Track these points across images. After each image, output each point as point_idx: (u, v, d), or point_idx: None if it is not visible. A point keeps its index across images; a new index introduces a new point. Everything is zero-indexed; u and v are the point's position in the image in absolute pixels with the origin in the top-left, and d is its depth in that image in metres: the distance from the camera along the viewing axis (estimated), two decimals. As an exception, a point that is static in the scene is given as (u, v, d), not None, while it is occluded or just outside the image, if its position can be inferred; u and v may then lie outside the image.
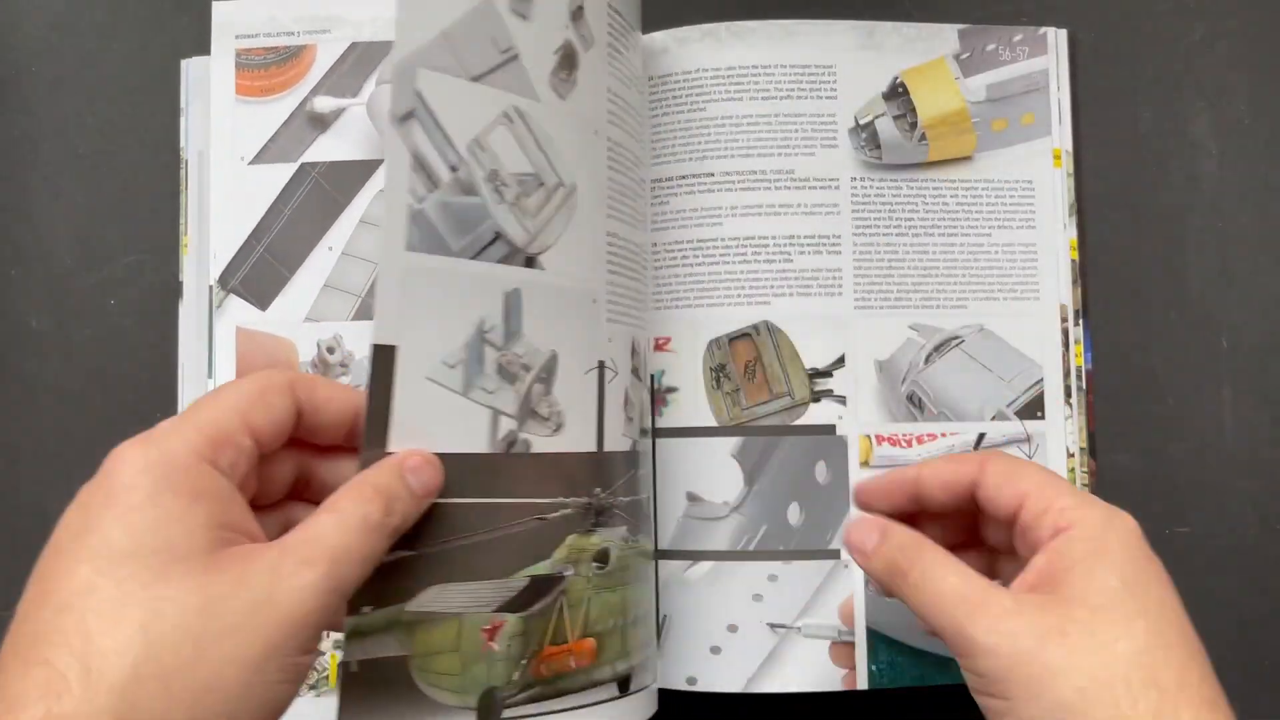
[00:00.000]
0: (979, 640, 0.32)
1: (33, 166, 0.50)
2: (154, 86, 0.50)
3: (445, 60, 0.37)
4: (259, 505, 0.32)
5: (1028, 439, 0.48)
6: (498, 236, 0.37)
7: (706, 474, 0.47)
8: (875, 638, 0.46)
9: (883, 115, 0.49)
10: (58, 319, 0.49)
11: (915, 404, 0.48)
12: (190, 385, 0.48)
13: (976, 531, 0.39)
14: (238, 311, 0.47)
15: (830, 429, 0.47)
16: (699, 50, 0.48)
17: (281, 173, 0.48)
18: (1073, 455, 0.48)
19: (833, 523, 0.47)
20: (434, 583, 0.35)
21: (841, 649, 0.46)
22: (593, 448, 0.40)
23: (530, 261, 0.38)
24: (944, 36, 0.50)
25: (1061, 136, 0.50)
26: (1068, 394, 0.49)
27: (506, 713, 0.37)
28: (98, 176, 0.50)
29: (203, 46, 0.48)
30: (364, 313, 0.47)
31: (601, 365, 0.41)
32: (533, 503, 0.38)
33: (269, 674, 0.27)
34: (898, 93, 0.49)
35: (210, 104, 0.48)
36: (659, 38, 0.49)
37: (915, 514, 0.39)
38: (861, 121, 0.49)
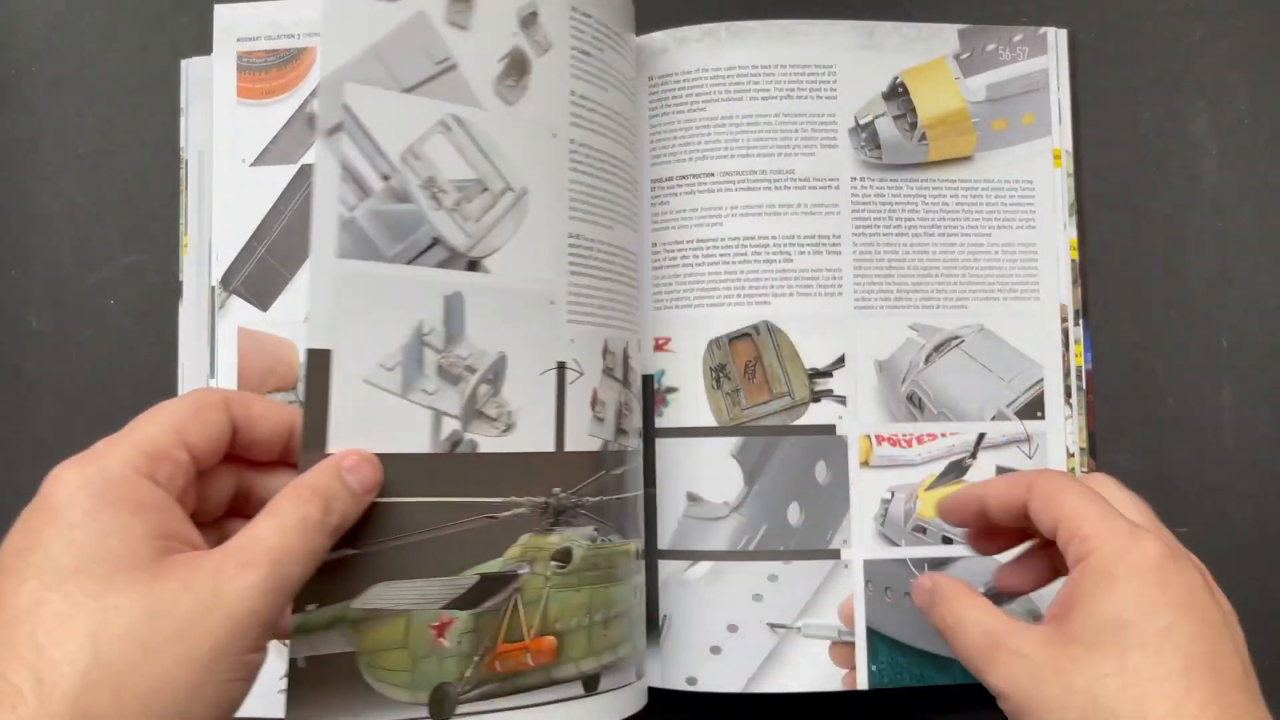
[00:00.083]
0: (993, 684, 0.35)
1: (33, 166, 0.50)
2: (154, 86, 0.50)
3: (375, 73, 0.38)
4: (200, 522, 0.33)
5: (1028, 439, 0.48)
6: (435, 242, 0.38)
7: (706, 474, 0.47)
8: (875, 638, 0.46)
9: (883, 115, 0.49)
10: (58, 319, 0.49)
11: (915, 404, 0.48)
12: (190, 385, 0.48)
13: None
14: (239, 312, 0.47)
15: (830, 429, 0.47)
16: (699, 50, 0.48)
17: (282, 174, 0.48)
18: (1073, 455, 0.48)
19: (833, 523, 0.47)
20: (379, 580, 0.36)
21: (841, 649, 0.46)
22: (551, 447, 0.40)
23: (474, 265, 0.39)
24: (944, 36, 0.50)
25: (1061, 136, 0.50)
26: (1068, 394, 0.49)
27: (461, 709, 0.37)
28: (98, 176, 0.50)
29: (203, 46, 0.49)
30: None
31: (561, 366, 0.41)
32: (482, 502, 0.38)
33: (219, 673, 0.28)
34: (898, 93, 0.49)
35: (212, 106, 0.48)
36: (659, 38, 0.49)
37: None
38: (861, 121, 0.49)
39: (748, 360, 0.47)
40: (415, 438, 0.37)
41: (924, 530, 0.47)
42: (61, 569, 0.28)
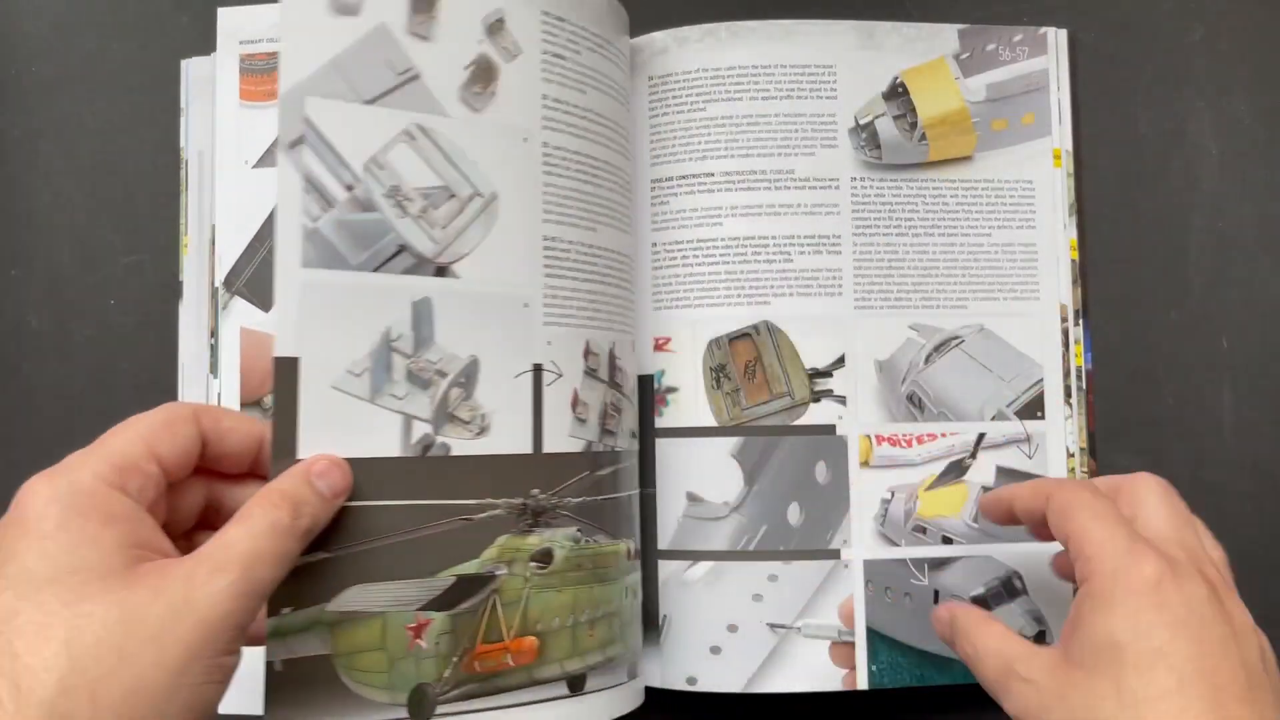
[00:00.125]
0: (1008, 711, 0.36)
1: (33, 166, 0.50)
2: (154, 86, 0.50)
3: (336, 86, 0.38)
4: (171, 534, 0.34)
5: (1027, 439, 0.48)
6: (402, 249, 0.39)
7: (706, 474, 0.47)
8: (875, 638, 0.46)
9: (883, 115, 0.49)
10: (58, 319, 0.49)
11: (915, 404, 0.48)
12: (190, 385, 0.48)
13: None
14: (242, 313, 0.47)
15: (830, 429, 0.47)
16: (699, 50, 0.48)
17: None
18: (1073, 455, 0.48)
19: (833, 523, 0.47)
20: (353, 583, 0.37)
21: (841, 649, 0.46)
22: (528, 449, 0.41)
23: (443, 271, 0.39)
24: (944, 36, 0.50)
25: (1061, 136, 0.50)
26: (1067, 394, 0.49)
27: (440, 709, 0.38)
28: (98, 176, 0.50)
29: (203, 47, 0.49)
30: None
31: (538, 368, 0.41)
32: (456, 504, 0.39)
33: (193, 676, 0.29)
34: (898, 93, 0.49)
35: (215, 108, 0.48)
36: (659, 38, 0.49)
37: None
38: (861, 121, 0.49)
39: (748, 360, 0.47)
40: (386, 442, 0.38)
41: (924, 530, 0.47)
42: (35, 579, 0.29)
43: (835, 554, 0.47)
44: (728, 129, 0.48)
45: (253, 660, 0.34)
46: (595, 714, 0.42)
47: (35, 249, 0.50)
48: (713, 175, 0.48)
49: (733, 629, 0.46)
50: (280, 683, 0.36)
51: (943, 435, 0.48)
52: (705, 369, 0.47)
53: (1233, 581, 0.38)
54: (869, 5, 0.52)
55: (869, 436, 0.47)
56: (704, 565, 0.46)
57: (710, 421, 0.47)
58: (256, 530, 0.32)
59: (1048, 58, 0.50)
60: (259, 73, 0.48)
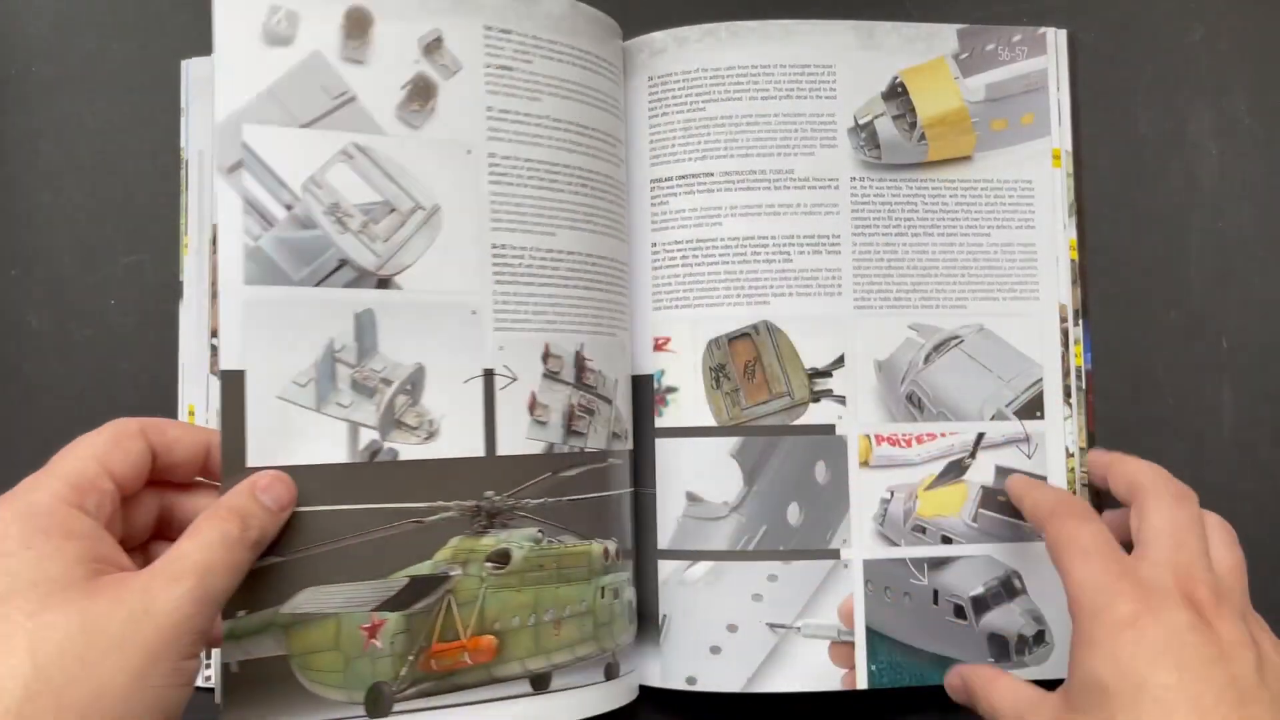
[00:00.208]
0: None
1: (33, 166, 0.50)
2: (154, 86, 0.50)
3: (272, 113, 0.40)
4: (127, 547, 0.35)
5: (1027, 439, 0.48)
6: (343, 263, 0.40)
7: (706, 474, 0.47)
8: (875, 637, 0.46)
9: (882, 115, 0.49)
10: (58, 319, 0.49)
11: (915, 404, 0.48)
12: (190, 385, 0.48)
13: None
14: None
15: (830, 429, 0.47)
16: (699, 50, 0.48)
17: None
18: (1072, 455, 0.48)
19: (832, 522, 0.47)
20: (307, 585, 0.38)
21: (841, 649, 0.46)
22: (481, 452, 0.42)
23: (385, 283, 0.41)
24: (943, 36, 0.50)
25: (1061, 136, 0.50)
26: (1067, 394, 0.49)
27: (398, 706, 0.39)
28: (98, 176, 0.50)
29: (203, 47, 0.48)
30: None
31: (489, 373, 0.42)
32: (407, 507, 0.40)
33: (154, 679, 0.31)
34: (897, 92, 0.49)
35: (215, 110, 0.48)
36: (658, 38, 0.49)
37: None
38: (861, 121, 0.49)
39: (747, 360, 0.47)
40: (333, 449, 0.39)
41: (923, 530, 0.47)
42: None
43: (835, 554, 0.47)
44: (727, 129, 0.48)
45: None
46: (560, 713, 0.42)
47: (35, 249, 0.50)
48: (712, 175, 0.48)
49: (732, 629, 0.46)
50: (237, 683, 0.37)
51: (942, 435, 0.48)
52: (705, 369, 0.47)
53: (1242, 588, 0.39)
54: (869, 5, 0.52)
55: (868, 436, 0.47)
56: (704, 565, 0.46)
57: (710, 421, 0.47)
58: (208, 542, 0.33)
59: (1047, 58, 0.50)
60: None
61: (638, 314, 0.48)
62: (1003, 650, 0.46)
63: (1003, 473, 0.48)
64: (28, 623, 0.30)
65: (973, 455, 0.48)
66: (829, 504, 0.47)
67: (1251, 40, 0.52)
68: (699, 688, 0.46)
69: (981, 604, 0.46)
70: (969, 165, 0.49)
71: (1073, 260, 0.50)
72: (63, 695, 0.29)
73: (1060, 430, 0.48)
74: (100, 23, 0.51)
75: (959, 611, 0.46)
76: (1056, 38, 0.50)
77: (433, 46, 0.42)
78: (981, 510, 0.47)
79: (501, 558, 0.41)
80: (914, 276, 0.48)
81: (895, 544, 0.47)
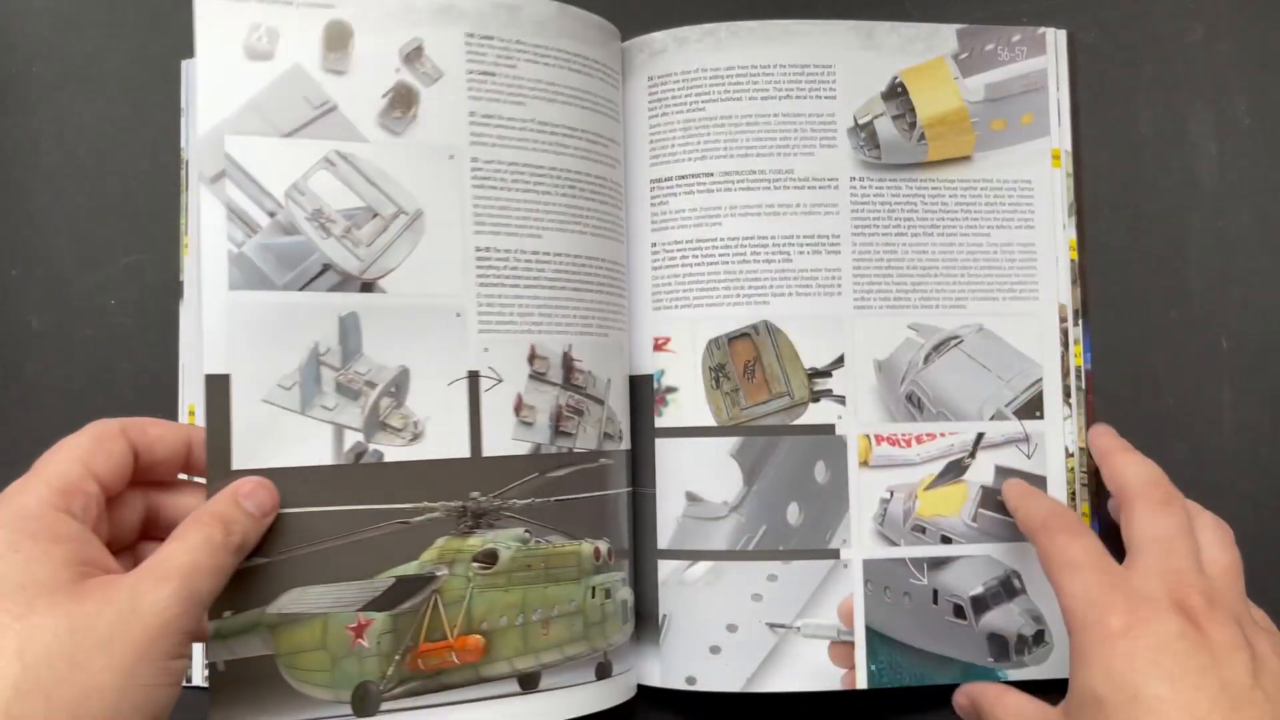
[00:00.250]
0: None
1: (33, 166, 0.50)
2: (154, 86, 0.50)
3: (254, 124, 0.40)
4: (114, 549, 0.36)
5: (1026, 439, 0.48)
6: (327, 268, 0.41)
7: (706, 474, 0.47)
8: (875, 637, 0.46)
9: (882, 115, 0.49)
10: (58, 319, 0.50)
11: (914, 404, 0.48)
12: (191, 385, 0.48)
13: None
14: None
15: (829, 429, 0.47)
16: (698, 50, 0.48)
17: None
18: (1072, 455, 0.48)
19: (832, 522, 0.47)
20: (293, 586, 0.38)
21: (841, 648, 0.46)
22: (466, 453, 0.42)
23: (368, 286, 0.41)
24: (943, 36, 0.50)
25: (1061, 136, 0.50)
26: (1067, 394, 0.49)
27: (385, 705, 0.40)
28: (98, 176, 0.50)
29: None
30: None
31: (474, 375, 0.42)
32: (392, 508, 0.40)
33: (142, 678, 0.31)
34: (897, 92, 0.49)
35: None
36: (658, 38, 0.49)
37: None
38: (861, 121, 0.49)
39: (747, 360, 0.47)
40: (318, 451, 0.40)
41: (923, 530, 0.47)
42: None
43: (834, 554, 0.47)
44: (727, 129, 0.48)
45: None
46: (549, 713, 0.43)
47: (35, 249, 0.50)
48: (712, 175, 0.48)
49: (732, 629, 0.46)
50: (223, 682, 0.38)
51: (942, 435, 0.48)
52: (705, 369, 0.47)
53: (1238, 589, 0.39)
54: (868, 5, 0.52)
55: (868, 436, 0.47)
56: (703, 565, 0.46)
57: (710, 421, 0.47)
58: (192, 545, 0.34)
59: (1047, 58, 0.50)
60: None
61: (637, 314, 0.48)
62: (1002, 650, 0.46)
63: (1002, 473, 0.48)
64: (16, 625, 0.30)
65: (972, 455, 0.48)
66: (829, 504, 0.47)
67: (1251, 40, 0.52)
68: (699, 687, 0.46)
69: (981, 604, 0.46)
70: (969, 165, 0.49)
71: (1072, 260, 0.50)
72: (52, 695, 0.30)
73: (1060, 430, 0.48)
74: (100, 23, 0.51)
75: (959, 611, 0.46)
76: (1056, 38, 0.50)
77: (413, 55, 0.42)
78: (981, 510, 0.47)
79: (489, 558, 0.41)
80: (914, 276, 0.48)
81: (895, 544, 0.47)
